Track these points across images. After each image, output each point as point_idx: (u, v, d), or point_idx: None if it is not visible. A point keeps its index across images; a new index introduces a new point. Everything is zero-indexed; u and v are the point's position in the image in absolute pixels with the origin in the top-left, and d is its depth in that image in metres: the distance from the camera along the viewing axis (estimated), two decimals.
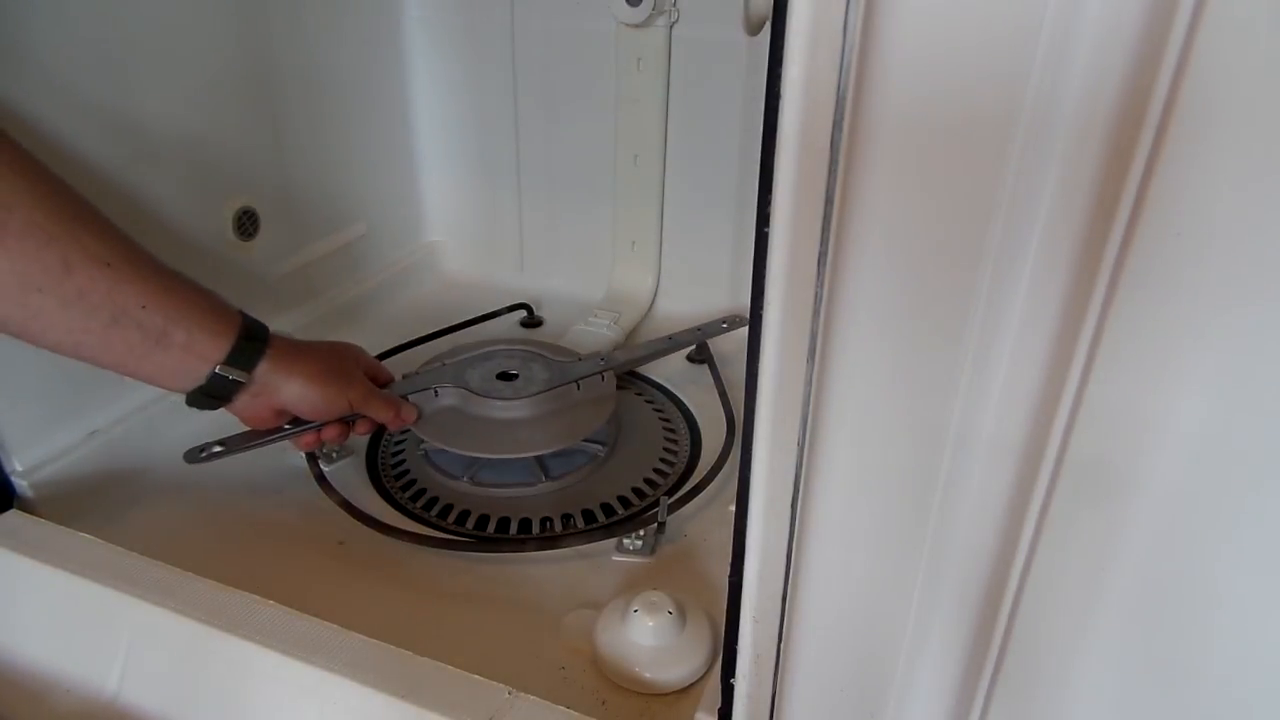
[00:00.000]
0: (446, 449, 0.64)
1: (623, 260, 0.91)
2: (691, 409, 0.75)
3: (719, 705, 0.40)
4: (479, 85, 0.90)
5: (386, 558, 0.57)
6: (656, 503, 0.61)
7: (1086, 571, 0.30)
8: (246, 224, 0.73)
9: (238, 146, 0.72)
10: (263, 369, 0.54)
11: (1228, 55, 0.22)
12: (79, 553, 0.51)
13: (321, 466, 0.64)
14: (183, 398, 0.54)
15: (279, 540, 0.59)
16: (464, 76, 0.90)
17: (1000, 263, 0.26)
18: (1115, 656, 0.31)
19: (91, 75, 0.59)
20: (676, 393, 0.77)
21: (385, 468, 0.67)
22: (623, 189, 0.88)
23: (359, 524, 0.59)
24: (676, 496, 0.61)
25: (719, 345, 0.79)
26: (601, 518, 0.62)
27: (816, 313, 0.28)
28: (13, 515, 0.56)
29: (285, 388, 0.55)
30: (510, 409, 0.65)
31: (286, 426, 0.59)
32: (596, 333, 0.83)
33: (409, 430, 0.65)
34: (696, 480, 0.63)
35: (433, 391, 0.65)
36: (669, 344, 0.74)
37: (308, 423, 0.59)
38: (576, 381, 0.67)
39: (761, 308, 0.29)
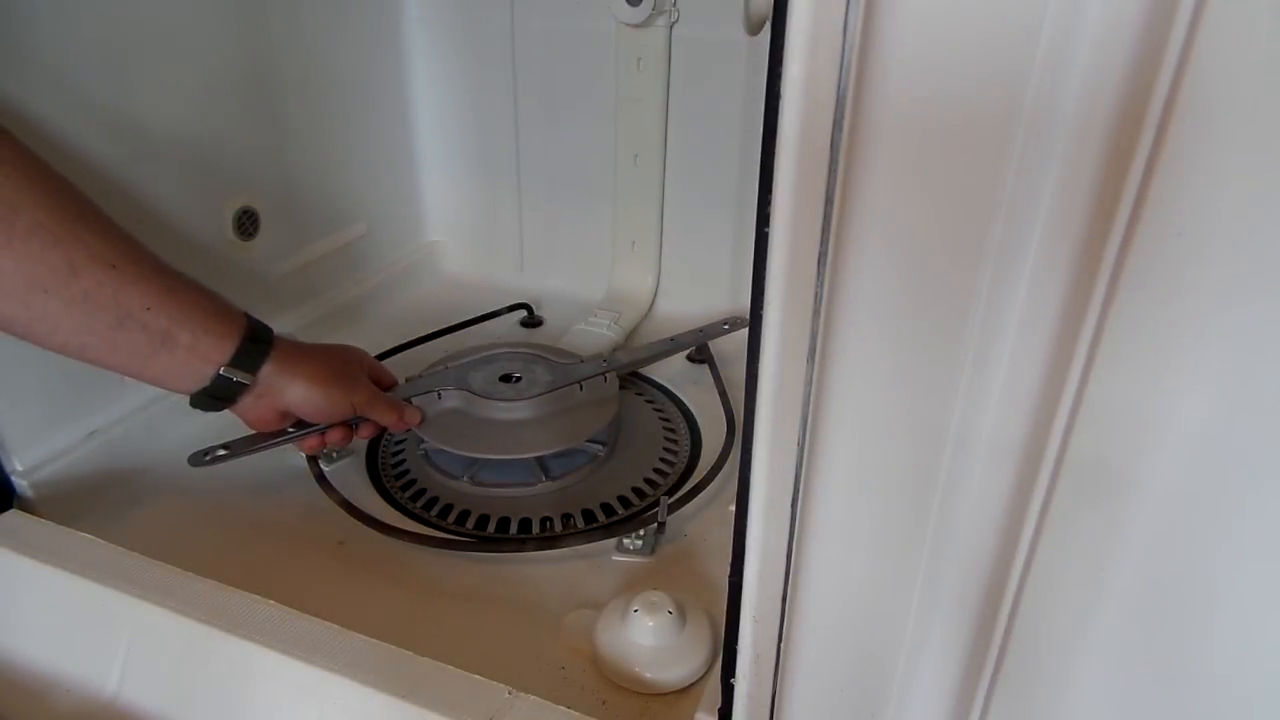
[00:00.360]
0: (449, 450, 0.64)
1: (623, 260, 0.91)
2: (692, 409, 0.75)
3: (719, 705, 0.40)
4: (479, 85, 0.90)
5: (386, 558, 0.57)
6: (656, 503, 0.61)
7: (1086, 571, 0.30)
8: (247, 224, 0.74)
9: (238, 146, 0.72)
10: (267, 371, 0.54)
11: (1228, 55, 0.22)
12: (79, 553, 0.51)
13: (322, 466, 0.64)
14: (184, 398, 0.54)
15: (279, 540, 0.59)
16: (464, 76, 0.90)
17: (1000, 263, 0.26)
18: (1115, 656, 0.31)
19: (93, 74, 0.59)
20: (677, 392, 0.77)
21: (385, 468, 0.67)
22: (623, 189, 0.88)
23: (359, 524, 0.59)
24: (676, 496, 0.61)
25: (719, 345, 0.79)
26: (601, 518, 0.62)
27: (816, 313, 0.28)
28: (13, 515, 0.56)
29: (289, 390, 0.56)
30: (513, 410, 0.65)
31: (290, 429, 0.59)
32: (596, 333, 0.83)
33: (410, 430, 0.65)
34: (696, 480, 0.63)
35: (436, 394, 0.65)
36: (671, 345, 0.74)
37: (311, 425, 0.59)
38: (579, 383, 0.67)
39: (761, 308, 0.29)
